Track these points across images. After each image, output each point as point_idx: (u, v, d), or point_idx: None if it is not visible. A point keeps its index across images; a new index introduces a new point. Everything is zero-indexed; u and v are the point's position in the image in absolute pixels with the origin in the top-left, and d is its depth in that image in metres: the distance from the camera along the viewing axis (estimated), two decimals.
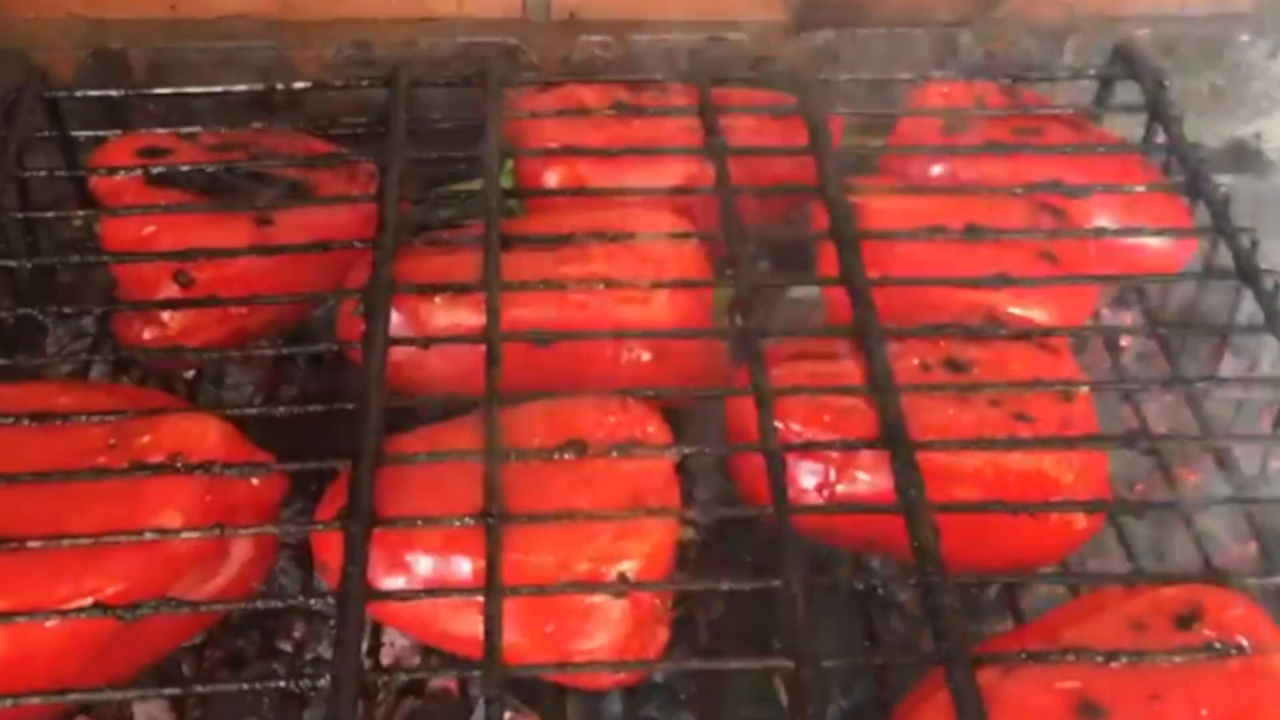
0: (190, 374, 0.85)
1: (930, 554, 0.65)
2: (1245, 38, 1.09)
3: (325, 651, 0.78)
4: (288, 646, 0.80)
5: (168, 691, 0.66)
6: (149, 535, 0.65)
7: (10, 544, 0.64)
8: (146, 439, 0.69)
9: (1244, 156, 1.14)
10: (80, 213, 0.83)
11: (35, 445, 0.69)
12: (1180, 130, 0.90)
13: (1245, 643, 0.62)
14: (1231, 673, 0.61)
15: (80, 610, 0.63)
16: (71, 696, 0.60)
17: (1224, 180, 0.88)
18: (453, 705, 0.78)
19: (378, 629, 0.73)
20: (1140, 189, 0.86)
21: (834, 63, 1.02)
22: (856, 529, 0.71)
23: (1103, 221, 0.85)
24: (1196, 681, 0.61)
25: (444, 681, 0.78)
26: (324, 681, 0.60)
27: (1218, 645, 0.62)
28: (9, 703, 0.60)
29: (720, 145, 0.86)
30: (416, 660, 0.77)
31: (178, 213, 0.82)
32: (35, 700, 0.60)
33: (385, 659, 0.76)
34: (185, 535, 0.66)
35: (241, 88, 0.92)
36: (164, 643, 0.69)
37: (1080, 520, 0.71)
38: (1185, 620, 0.64)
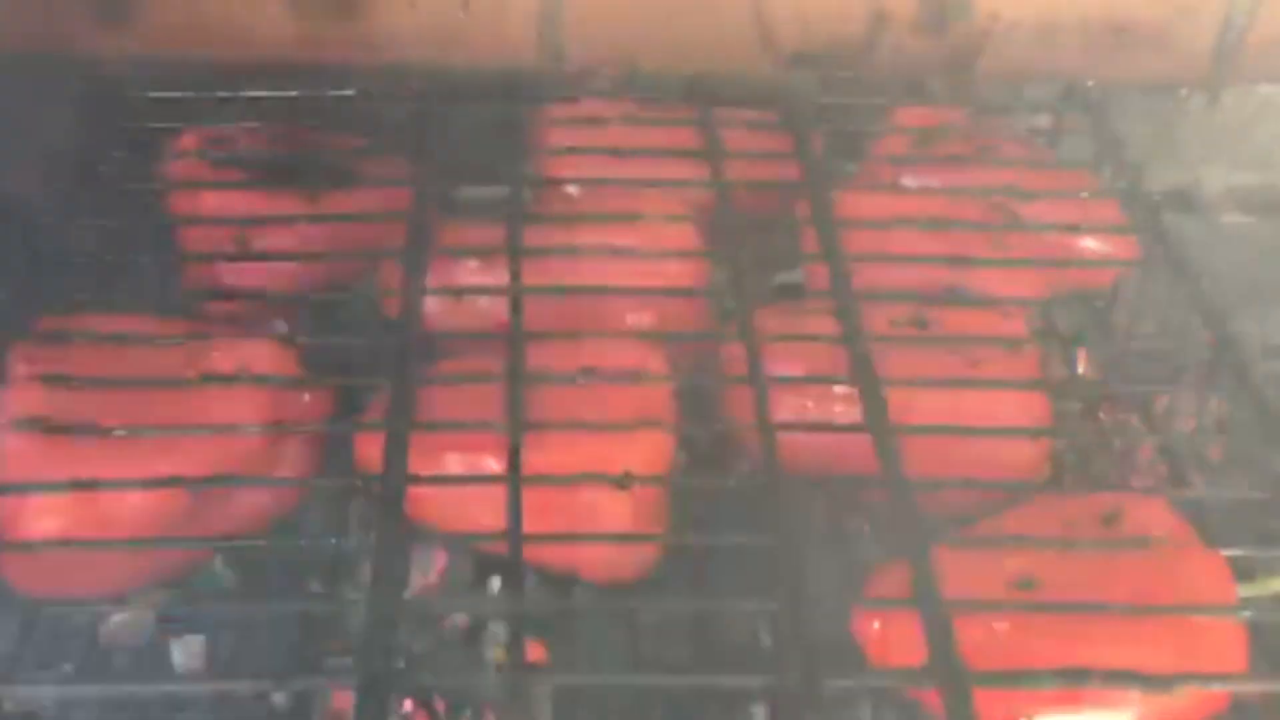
0: None
1: (892, 464, 0.75)
2: (1184, 92, 1.22)
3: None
4: (317, 587, 0.89)
5: (231, 543, 0.76)
6: (218, 430, 0.76)
7: (97, 430, 0.75)
8: (215, 355, 0.80)
9: (1186, 201, 1.26)
10: (157, 185, 0.95)
11: (119, 362, 0.80)
12: (1120, 148, 1.02)
13: (1159, 535, 0.73)
14: (1146, 558, 0.72)
15: (157, 483, 0.73)
16: (158, 543, 0.70)
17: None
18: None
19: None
20: (1084, 194, 0.98)
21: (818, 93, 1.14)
22: (830, 455, 0.81)
23: (1049, 220, 0.96)
24: (1117, 564, 0.71)
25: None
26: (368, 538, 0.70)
27: (1136, 538, 0.73)
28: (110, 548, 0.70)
29: (717, 148, 0.99)
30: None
31: (239, 189, 0.95)
32: (120, 548, 0.70)
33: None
34: (248, 430, 0.76)
35: (294, 93, 1.04)
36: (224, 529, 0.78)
37: (1025, 452, 0.82)
38: (1109, 519, 0.74)
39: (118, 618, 0.81)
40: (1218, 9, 1.17)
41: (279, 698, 0.81)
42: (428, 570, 0.83)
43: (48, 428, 0.74)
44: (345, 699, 0.79)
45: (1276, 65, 1.19)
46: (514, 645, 0.65)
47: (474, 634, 0.85)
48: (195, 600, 0.80)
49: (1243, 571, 0.73)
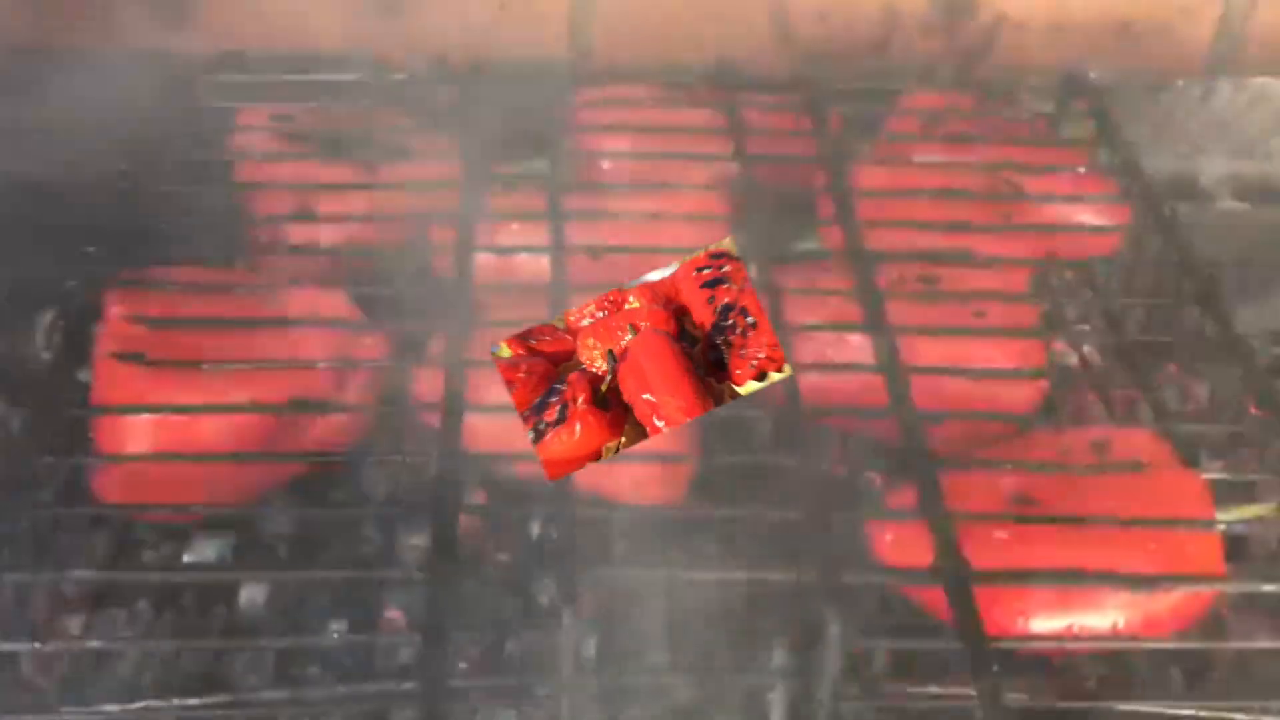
0: None
1: (903, 397, 0.83)
2: (1180, 83, 1.29)
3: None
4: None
5: (306, 457, 0.84)
6: (290, 364, 0.84)
7: (185, 364, 0.83)
8: (285, 303, 0.88)
9: (1183, 187, 1.33)
10: (232, 156, 1.04)
11: (199, 308, 0.88)
12: (1116, 129, 1.10)
13: (1144, 460, 0.80)
14: (1132, 480, 0.79)
15: (244, 407, 0.81)
16: (240, 458, 0.79)
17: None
18: None
19: None
20: (1081, 169, 1.06)
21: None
22: (845, 395, 0.88)
23: (1048, 192, 1.04)
24: (1106, 485, 0.79)
25: None
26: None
27: (1124, 462, 0.80)
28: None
29: (740, 125, 1.07)
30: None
31: (303, 160, 1.03)
32: (208, 461, 0.79)
33: None
34: (322, 365, 0.84)
35: (349, 77, 1.13)
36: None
37: (1022, 392, 0.89)
38: (1099, 447, 0.82)
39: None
40: (1216, 8, 1.25)
41: (339, 625, 0.89)
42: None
43: (141, 361, 0.82)
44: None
45: (1270, 59, 1.27)
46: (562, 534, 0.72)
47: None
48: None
49: (1220, 498, 0.80)
